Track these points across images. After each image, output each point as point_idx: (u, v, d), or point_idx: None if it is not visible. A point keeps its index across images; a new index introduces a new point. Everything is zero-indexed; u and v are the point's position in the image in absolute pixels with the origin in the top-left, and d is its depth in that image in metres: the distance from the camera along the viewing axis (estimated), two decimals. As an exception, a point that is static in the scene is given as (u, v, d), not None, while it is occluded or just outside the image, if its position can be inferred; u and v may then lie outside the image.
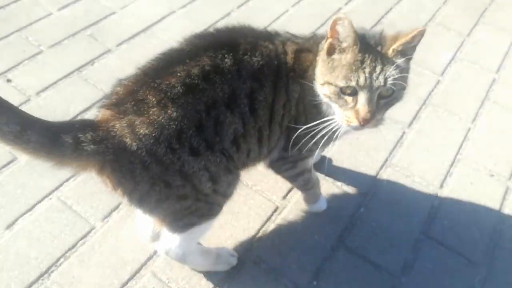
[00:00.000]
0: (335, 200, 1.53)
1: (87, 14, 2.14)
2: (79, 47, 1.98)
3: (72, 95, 1.77)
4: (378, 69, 0.95)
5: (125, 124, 0.91)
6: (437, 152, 1.74)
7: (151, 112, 0.91)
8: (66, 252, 1.33)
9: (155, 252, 1.33)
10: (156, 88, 0.93)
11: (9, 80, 1.80)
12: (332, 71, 0.98)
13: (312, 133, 1.06)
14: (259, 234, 1.42)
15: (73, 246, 1.34)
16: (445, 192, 1.60)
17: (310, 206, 1.47)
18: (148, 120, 0.90)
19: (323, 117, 1.06)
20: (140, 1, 2.27)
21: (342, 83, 0.96)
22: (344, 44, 0.98)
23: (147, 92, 0.93)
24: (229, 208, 1.44)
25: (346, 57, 0.97)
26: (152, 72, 0.97)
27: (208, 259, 1.29)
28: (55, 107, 1.71)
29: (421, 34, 0.97)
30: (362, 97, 0.96)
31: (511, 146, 1.80)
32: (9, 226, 1.38)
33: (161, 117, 0.91)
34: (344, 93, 0.98)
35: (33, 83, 1.79)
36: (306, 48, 1.10)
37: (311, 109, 1.09)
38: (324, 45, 1.01)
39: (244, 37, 1.05)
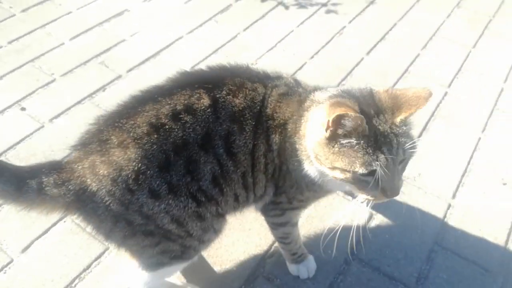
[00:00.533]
0: (347, 210, 1.52)
1: (98, 43, 2.22)
2: (91, 74, 2.04)
3: (84, 121, 1.80)
4: (394, 144, 0.86)
5: (87, 165, 0.92)
6: (448, 163, 1.73)
7: (111, 152, 0.91)
8: (81, 273, 1.34)
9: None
10: (120, 128, 0.92)
11: (23, 109, 1.86)
12: (342, 157, 0.86)
13: (300, 186, 1.04)
14: (271, 250, 1.42)
15: (88, 267, 1.36)
16: (457, 202, 1.59)
17: (290, 267, 1.34)
18: (108, 161, 0.90)
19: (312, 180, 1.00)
20: (148, 28, 2.35)
21: (362, 170, 0.85)
22: (350, 129, 0.85)
23: (111, 131, 0.92)
24: (241, 225, 1.46)
25: (359, 142, 0.85)
26: (123, 110, 0.96)
27: None
28: (67, 133, 1.75)
29: (426, 99, 0.89)
30: (386, 176, 0.85)
31: (523, 154, 1.78)
32: (25, 249, 1.41)
33: (120, 158, 0.90)
34: (364, 176, 0.87)
35: (46, 110, 1.85)
36: (292, 95, 1.03)
37: (295, 166, 1.01)
38: (323, 133, 0.88)
39: (232, 77, 1.01)
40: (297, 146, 0.98)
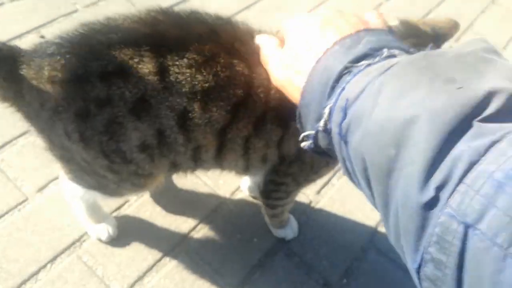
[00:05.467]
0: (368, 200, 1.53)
1: (125, -24, 2.06)
2: (114, 9, 1.90)
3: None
4: None
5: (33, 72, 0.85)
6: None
7: (41, 76, 0.83)
8: (100, 223, 1.31)
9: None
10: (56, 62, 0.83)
11: (42, 37, 1.73)
12: None
13: (314, 167, 1.00)
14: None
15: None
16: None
17: (274, 230, 1.37)
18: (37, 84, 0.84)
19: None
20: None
21: None
22: None
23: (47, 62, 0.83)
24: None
25: None
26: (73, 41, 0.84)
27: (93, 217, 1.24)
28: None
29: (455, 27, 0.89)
30: None
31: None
32: (41, 189, 1.35)
33: (47, 88, 0.83)
34: None
35: (67, 42, 1.73)
36: None
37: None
38: None
39: (205, 40, 0.85)
40: None
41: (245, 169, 1.04)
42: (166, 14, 0.89)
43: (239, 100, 0.87)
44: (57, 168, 1.37)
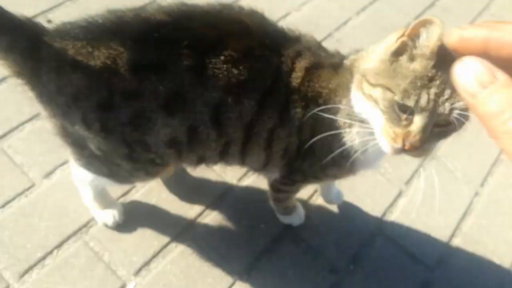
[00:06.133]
0: (377, 187, 1.51)
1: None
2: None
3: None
4: (446, 93, 0.73)
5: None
6: (481, 149, 1.71)
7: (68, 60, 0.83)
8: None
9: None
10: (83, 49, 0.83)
11: (49, 21, 1.71)
12: (393, 76, 0.77)
13: (324, 160, 0.95)
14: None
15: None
16: (485, 191, 1.59)
17: (280, 216, 1.36)
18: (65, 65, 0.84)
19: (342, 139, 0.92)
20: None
21: (399, 98, 0.76)
22: (418, 52, 0.75)
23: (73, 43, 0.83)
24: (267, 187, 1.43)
25: (415, 67, 0.75)
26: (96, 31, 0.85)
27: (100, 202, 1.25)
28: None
29: None
30: (418, 120, 0.76)
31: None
32: (47, 175, 1.35)
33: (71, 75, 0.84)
34: (399, 107, 0.77)
35: (72, 27, 1.71)
36: (329, 64, 0.92)
37: (326, 137, 0.91)
38: (394, 43, 0.78)
39: (239, 36, 0.88)
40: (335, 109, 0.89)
41: (265, 165, 1.05)
42: (195, 9, 0.89)
43: (267, 89, 0.90)
44: (64, 154, 1.37)
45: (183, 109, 0.88)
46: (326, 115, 0.88)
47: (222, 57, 0.85)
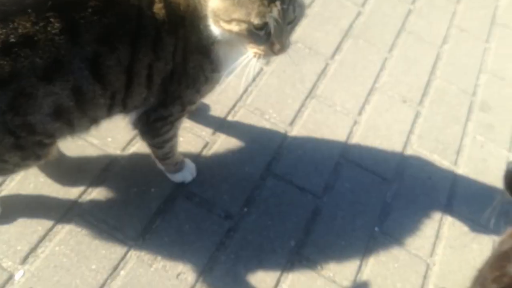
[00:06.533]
0: (264, 132, 1.57)
1: None
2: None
3: None
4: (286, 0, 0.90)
5: None
6: (357, 81, 1.83)
7: None
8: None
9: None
10: None
11: None
12: (240, 7, 0.89)
13: (197, 83, 1.06)
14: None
15: None
16: (363, 119, 1.72)
17: (172, 176, 1.37)
18: None
19: (213, 61, 1.03)
20: None
21: (257, 21, 0.89)
22: None
23: None
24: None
25: None
26: None
27: None
28: None
29: None
30: (276, 30, 0.92)
31: (423, 74, 1.94)
32: None
33: None
34: (257, 28, 0.92)
35: None
36: None
37: (196, 56, 1.03)
38: None
39: None
40: (201, 27, 0.99)
41: (145, 99, 1.07)
42: None
43: (135, 28, 0.94)
44: None
45: (62, 72, 0.88)
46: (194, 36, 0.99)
47: (90, 10, 0.87)
